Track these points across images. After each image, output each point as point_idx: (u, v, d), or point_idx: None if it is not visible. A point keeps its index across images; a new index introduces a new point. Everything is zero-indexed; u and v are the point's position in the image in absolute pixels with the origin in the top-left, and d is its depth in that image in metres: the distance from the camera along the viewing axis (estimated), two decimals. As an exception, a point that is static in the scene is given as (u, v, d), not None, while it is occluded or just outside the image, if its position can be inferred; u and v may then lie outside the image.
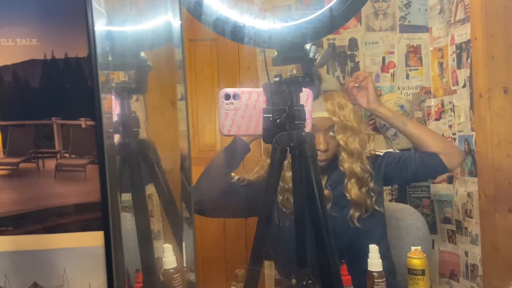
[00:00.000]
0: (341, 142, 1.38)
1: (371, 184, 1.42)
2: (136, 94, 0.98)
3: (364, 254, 1.14)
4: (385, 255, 1.36)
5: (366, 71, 1.56)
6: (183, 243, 0.82)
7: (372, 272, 1.09)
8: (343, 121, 1.37)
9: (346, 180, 1.40)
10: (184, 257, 0.82)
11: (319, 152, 1.35)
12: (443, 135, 2.21)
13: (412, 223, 1.61)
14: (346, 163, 1.39)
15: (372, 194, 1.42)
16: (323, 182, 1.40)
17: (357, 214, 1.39)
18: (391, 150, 1.52)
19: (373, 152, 1.50)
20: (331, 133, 1.40)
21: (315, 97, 1.25)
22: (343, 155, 1.39)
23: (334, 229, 1.36)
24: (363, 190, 1.40)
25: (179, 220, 0.88)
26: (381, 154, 1.49)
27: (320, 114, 1.37)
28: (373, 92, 1.48)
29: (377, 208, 1.43)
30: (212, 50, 2.36)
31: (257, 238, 0.92)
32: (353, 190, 1.38)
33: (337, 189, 1.42)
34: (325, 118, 1.37)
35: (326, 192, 1.40)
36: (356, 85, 1.50)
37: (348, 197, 1.39)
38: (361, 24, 2.33)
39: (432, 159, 1.44)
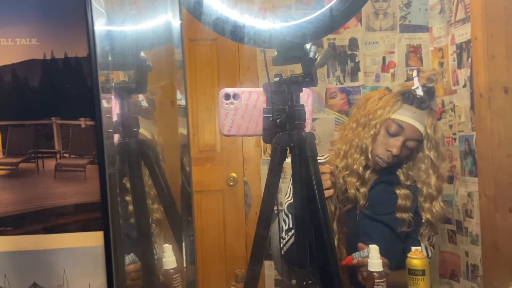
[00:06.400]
0: (433, 158, 1.39)
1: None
2: (136, 94, 0.98)
3: None
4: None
5: None
6: (183, 243, 0.82)
7: (372, 272, 1.09)
8: (434, 138, 1.39)
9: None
10: (184, 257, 0.82)
11: (388, 153, 1.38)
12: (443, 136, 2.21)
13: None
14: (433, 181, 1.40)
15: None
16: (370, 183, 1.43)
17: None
18: None
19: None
20: (407, 143, 1.39)
21: (424, 108, 1.36)
22: (431, 172, 1.40)
23: (370, 229, 1.41)
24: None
25: (179, 220, 0.88)
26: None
27: (415, 124, 1.37)
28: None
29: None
30: (212, 50, 2.35)
31: (257, 238, 0.92)
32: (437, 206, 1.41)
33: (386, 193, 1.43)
34: (416, 130, 1.38)
35: (363, 190, 1.42)
36: None
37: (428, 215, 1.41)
38: (361, 24, 2.33)
39: None
